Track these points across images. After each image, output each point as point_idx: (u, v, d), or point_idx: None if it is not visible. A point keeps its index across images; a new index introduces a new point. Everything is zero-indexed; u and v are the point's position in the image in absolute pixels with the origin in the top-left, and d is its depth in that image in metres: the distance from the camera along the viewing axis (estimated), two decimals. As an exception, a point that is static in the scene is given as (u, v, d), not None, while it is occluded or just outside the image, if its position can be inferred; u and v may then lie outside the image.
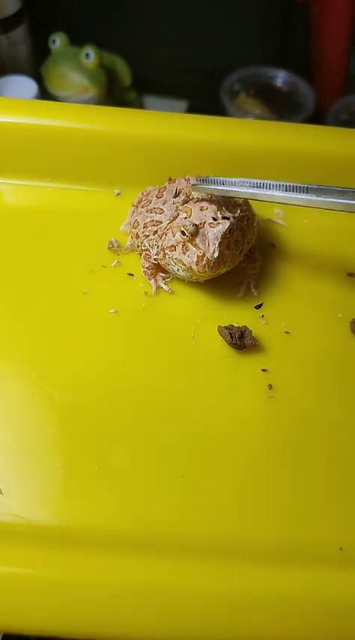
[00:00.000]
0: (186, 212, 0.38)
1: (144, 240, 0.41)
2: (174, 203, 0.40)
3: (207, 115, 0.46)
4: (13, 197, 0.46)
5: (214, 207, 0.38)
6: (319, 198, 0.35)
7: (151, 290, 0.41)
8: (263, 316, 0.41)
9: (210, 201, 0.39)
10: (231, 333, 0.38)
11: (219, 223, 0.37)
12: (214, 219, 0.38)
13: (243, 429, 0.36)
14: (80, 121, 0.45)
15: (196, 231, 0.37)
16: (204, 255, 0.37)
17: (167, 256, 0.39)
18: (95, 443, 0.35)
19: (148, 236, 0.41)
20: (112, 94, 0.65)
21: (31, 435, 0.35)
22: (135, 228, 0.42)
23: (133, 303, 0.41)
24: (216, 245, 0.37)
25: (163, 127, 0.45)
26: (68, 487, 0.33)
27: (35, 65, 0.63)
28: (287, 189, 0.36)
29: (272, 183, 0.36)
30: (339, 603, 0.29)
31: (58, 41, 0.62)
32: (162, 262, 0.41)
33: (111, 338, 0.39)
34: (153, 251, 0.40)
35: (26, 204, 0.46)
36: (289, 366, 0.39)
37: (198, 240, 0.37)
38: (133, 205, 0.43)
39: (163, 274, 0.42)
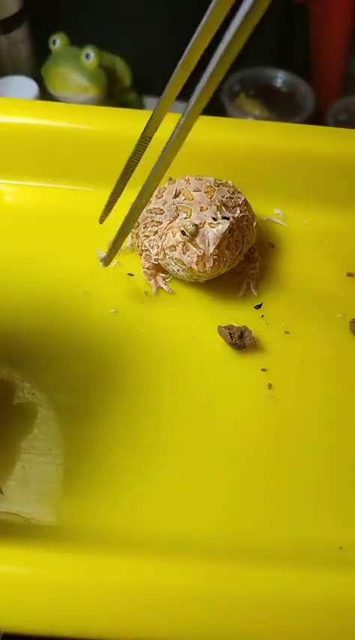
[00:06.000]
0: (186, 212, 0.38)
1: (145, 241, 0.41)
2: (173, 204, 0.40)
3: (207, 116, 0.46)
4: (13, 197, 0.46)
5: (214, 207, 0.38)
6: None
7: (151, 290, 0.41)
8: (263, 316, 0.41)
9: (210, 201, 0.39)
10: (230, 333, 0.38)
11: (218, 223, 0.37)
12: (214, 219, 0.38)
13: (243, 428, 0.36)
14: (80, 121, 0.45)
15: (196, 231, 0.37)
16: (204, 255, 0.37)
17: (167, 256, 0.40)
18: (95, 442, 0.35)
19: (148, 236, 0.41)
20: (112, 95, 0.65)
21: (31, 434, 0.35)
22: (136, 228, 0.42)
23: (133, 303, 0.41)
24: (216, 245, 0.37)
25: (163, 127, 0.45)
26: (68, 487, 0.33)
27: (35, 66, 0.63)
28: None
29: None
30: (339, 603, 0.29)
31: (58, 42, 0.62)
32: (162, 262, 0.41)
33: (111, 338, 0.39)
34: (154, 251, 0.40)
35: (26, 204, 0.46)
36: (289, 366, 0.39)
37: (198, 240, 0.37)
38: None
39: (163, 274, 0.42)
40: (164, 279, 0.42)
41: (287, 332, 0.40)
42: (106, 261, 0.40)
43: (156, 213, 0.40)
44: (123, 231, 0.37)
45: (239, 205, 0.41)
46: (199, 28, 0.29)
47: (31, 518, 0.32)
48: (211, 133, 0.45)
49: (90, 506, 0.33)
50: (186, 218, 0.38)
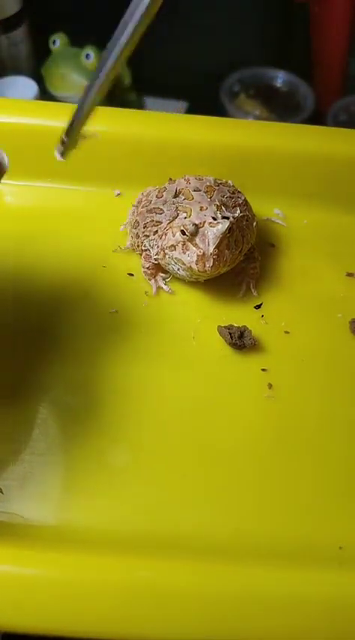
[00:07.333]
0: (186, 212, 0.39)
1: (144, 240, 0.41)
2: (173, 203, 0.40)
3: (207, 116, 0.46)
4: (14, 197, 0.46)
5: (214, 206, 0.38)
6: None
7: (151, 290, 0.41)
8: (262, 316, 0.41)
9: (210, 201, 0.39)
10: (230, 333, 0.38)
11: (218, 223, 0.37)
12: (214, 218, 0.38)
13: (243, 428, 0.36)
14: (80, 121, 0.45)
15: (196, 230, 0.37)
16: (203, 254, 0.37)
17: (167, 256, 0.40)
18: (95, 442, 0.35)
19: (148, 236, 0.41)
20: (112, 95, 0.65)
21: (31, 434, 0.35)
22: (135, 228, 0.42)
23: (133, 303, 0.41)
24: (216, 244, 0.37)
25: (163, 127, 0.46)
26: (68, 487, 0.33)
27: (35, 66, 0.63)
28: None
29: None
30: (339, 603, 0.29)
31: (58, 42, 0.62)
32: (162, 262, 0.41)
33: (111, 338, 0.39)
34: (153, 251, 0.40)
35: (26, 204, 0.46)
36: (289, 366, 0.39)
37: (197, 239, 0.37)
38: (133, 205, 0.43)
39: (163, 274, 0.42)
40: (164, 279, 0.42)
41: (287, 332, 0.40)
42: (64, 152, 0.35)
43: (156, 213, 0.40)
44: (80, 114, 0.33)
45: (239, 205, 0.41)
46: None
47: (31, 518, 0.32)
48: (211, 133, 0.45)
49: (90, 505, 0.33)
50: (186, 218, 0.38)
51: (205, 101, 0.66)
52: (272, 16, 0.66)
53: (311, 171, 0.45)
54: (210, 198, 0.39)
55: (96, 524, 0.32)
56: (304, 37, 0.65)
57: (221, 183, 0.42)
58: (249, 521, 0.33)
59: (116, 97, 0.66)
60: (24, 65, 0.62)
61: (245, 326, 0.39)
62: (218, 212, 0.38)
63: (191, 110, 0.68)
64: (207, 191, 0.40)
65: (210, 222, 0.38)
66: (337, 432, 0.36)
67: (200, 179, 0.41)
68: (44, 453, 0.34)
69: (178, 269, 0.40)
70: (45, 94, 0.61)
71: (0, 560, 0.29)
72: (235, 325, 0.39)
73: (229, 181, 0.43)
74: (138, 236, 0.41)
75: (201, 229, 0.37)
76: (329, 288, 0.42)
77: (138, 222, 0.41)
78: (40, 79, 0.61)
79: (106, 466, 0.34)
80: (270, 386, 0.38)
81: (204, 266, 0.37)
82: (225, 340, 0.39)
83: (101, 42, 0.62)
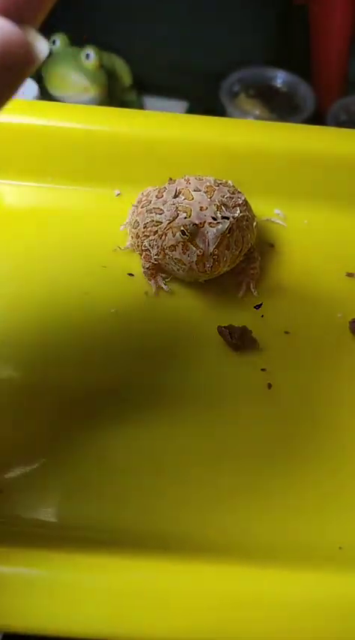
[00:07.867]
0: (186, 212, 0.39)
1: (144, 241, 0.41)
2: (173, 204, 0.40)
3: (207, 115, 0.46)
4: (14, 197, 0.46)
5: (214, 207, 0.38)
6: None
7: (151, 290, 0.41)
8: (262, 316, 0.41)
9: (210, 201, 0.39)
10: (230, 333, 0.38)
11: (218, 223, 0.38)
12: (214, 218, 0.38)
13: (243, 428, 0.36)
14: (80, 121, 0.45)
15: (196, 230, 0.37)
16: (203, 254, 0.37)
17: (167, 256, 0.40)
18: (95, 442, 0.35)
19: (148, 236, 0.41)
20: (112, 95, 0.65)
21: (31, 434, 0.35)
22: (135, 228, 0.42)
23: (133, 303, 0.41)
24: (216, 245, 0.37)
25: (163, 127, 0.46)
26: (68, 486, 0.33)
27: (35, 65, 0.63)
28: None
29: None
30: (339, 603, 0.29)
31: (58, 42, 0.62)
32: (162, 262, 0.41)
33: (111, 338, 0.39)
34: (153, 251, 0.40)
35: (26, 204, 0.46)
36: (288, 366, 0.39)
37: (197, 239, 0.37)
38: (133, 205, 0.43)
39: (163, 274, 0.42)
40: (164, 279, 0.42)
41: (287, 332, 0.40)
42: None
43: (156, 213, 0.40)
44: None
45: (239, 205, 0.41)
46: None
47: (31, 518, 0.32)
48: (211, 133, 0.45)
49: (90, 506, 0.33)
50: (186, 218, 0.38)
51: (205, 101, 0.66)
52: (272, 16, 0.66)
53: (311, 171, 0.45)
54: (210, 198, 0.39)
55: (96, 524, 0.32)
56: (304, 37, 0.65)
57: (221, 184, 0.42)
58: (249, 522, 0.33)
59: (116, 97, 0.66)
60: (24, 65, 0.62)
61: (245, 326, 0.39)
62: (218, 212, 0.38)
63: (191, 110, 0.68)
64: (207, 191, 0.40)
65: (210, 223, 0.38)
66: (337, 432, 0.36)
67: (200, 179, 0.41)
68: (44, 452, 0.34)
69: (178, 269, 0.40)
70: (45, 94, 0.61)
71: (0, 560, 0.29)
72: (235, 325, 0.39)
73: (229, 181, 0.43)
74: (138, 236, 0.41)
75: (201, 229, 0.38)
76: (329, 288, 0.42)
77: (138, 222, 0.41)
78: (40, 79, 0.61)
79: (106, 465, 0.34)
80: (270, 386, 0.38)
81: (204, 266, 0.37)
82: (225, 340, 0.39)
83: (101, 42, 0.63)
